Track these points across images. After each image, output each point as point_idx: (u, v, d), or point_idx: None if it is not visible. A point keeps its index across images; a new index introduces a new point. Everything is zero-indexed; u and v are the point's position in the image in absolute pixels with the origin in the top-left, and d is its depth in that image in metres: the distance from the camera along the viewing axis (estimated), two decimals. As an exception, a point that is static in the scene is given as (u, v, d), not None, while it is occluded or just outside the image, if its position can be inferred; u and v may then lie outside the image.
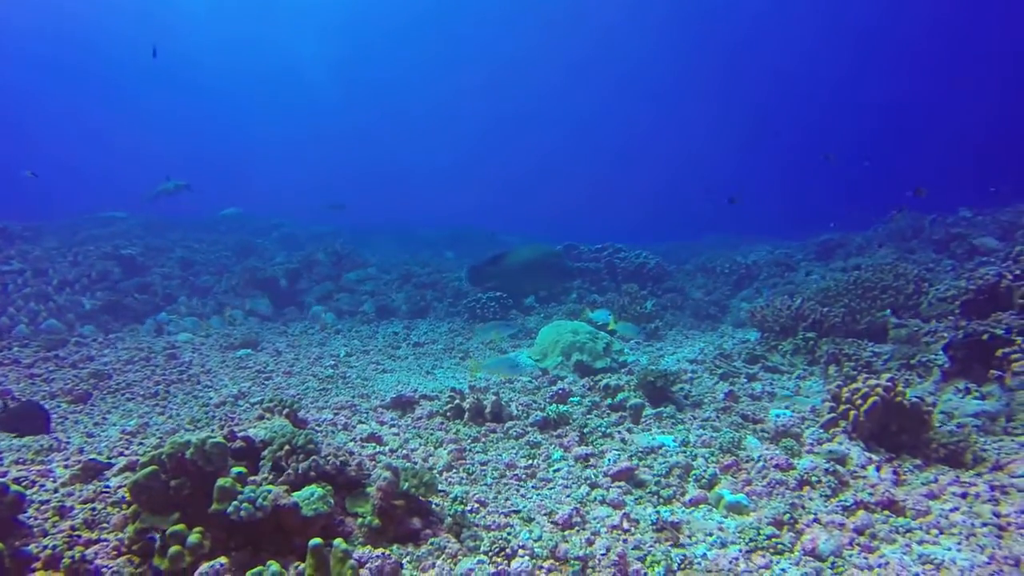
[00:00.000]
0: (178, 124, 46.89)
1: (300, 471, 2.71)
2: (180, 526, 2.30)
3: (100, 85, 44.36)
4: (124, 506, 2.65)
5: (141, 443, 4.00)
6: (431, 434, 4.25)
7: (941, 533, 2.74)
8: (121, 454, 3.68)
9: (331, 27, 43.90)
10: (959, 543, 2.63)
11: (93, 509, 2.75)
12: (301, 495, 2.54)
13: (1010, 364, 4.47)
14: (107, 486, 3.01)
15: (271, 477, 2.73)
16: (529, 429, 4.34)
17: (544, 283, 9.17)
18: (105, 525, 2.63)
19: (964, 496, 3.07)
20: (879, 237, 12.71)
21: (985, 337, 4.78)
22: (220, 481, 2.42)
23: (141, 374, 5.87)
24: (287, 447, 2.81)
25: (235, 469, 2.65)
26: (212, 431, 3.28)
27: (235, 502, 2.36)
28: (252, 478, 2.70)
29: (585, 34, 41.98)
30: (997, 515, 2.85)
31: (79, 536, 2.52)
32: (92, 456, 3.37)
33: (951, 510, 2.94)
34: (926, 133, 42.48)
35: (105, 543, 2.46)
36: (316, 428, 4.26)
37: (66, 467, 3.29)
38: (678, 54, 42.39)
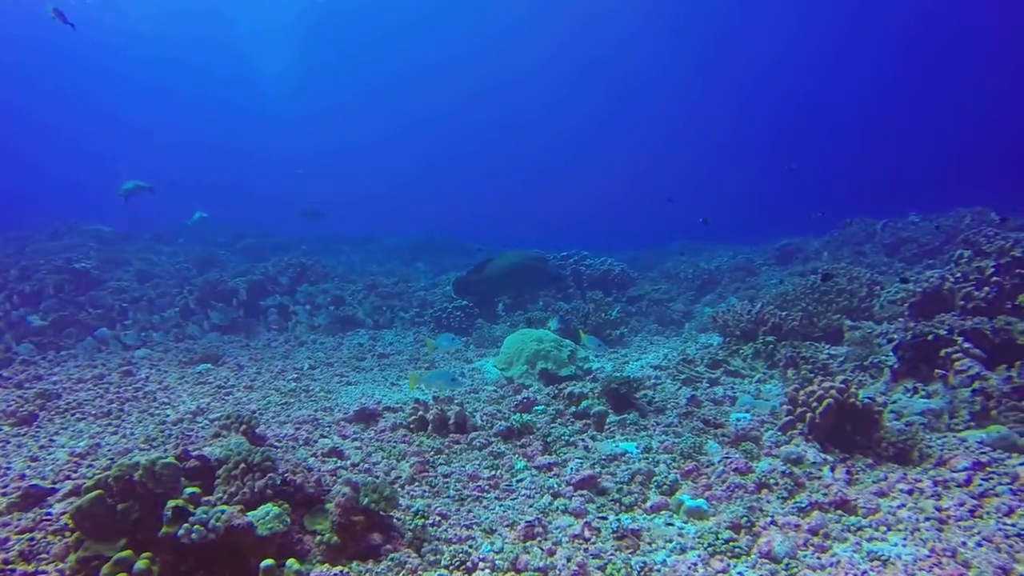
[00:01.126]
0: (147, 128, 45.59)
1: (256, 489, 2.66)
2: (127, 552, 2.23)
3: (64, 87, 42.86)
4: (67, 534, 2.55)
5: (91, 465, 3.86)
6: (394, 447, 4.21)
7: (889, 530, 2.83)
8: (68, 478, 3.54)
9: (295, 33, 43.32)
10: (904, 539, 2.73)
11: (31, 540, 2.64)
12: (256, 514, 2.48)
13: (952, 363, 4.65)
14: (49, 513, 2.90)
15: (226, 497, 2.66)
16: (493, 439, 4.34)
17: (529, 288, 9.21)
18: (44, 556, 2.53)
19: (910, 492, 3.19)
20: (835, 242, 13.14)
21: (930, 338, 4.97)
22: (171, 503, 2.36)
23: (93, 392, 5.67)
24: (243, 465, 2.75)
25: (188, 490, 2.58)
26: (165, 451, 3.18)
27: (186, 524, 2.30)
28: (206, 498, 2.64)
29: (552, 40, 42.33)
30: (939, 509, 2.96)
31: (13, 570, 2.41)
32: (34, 482, 3.24)
33: (898, 507, 3.04)
34: (888, 139, 44.30)
35: (43, 575, 2.37)
36: (276, 444, 4.18)
37: (3, 495, 3.15)
38: (645, 59, 43.04)
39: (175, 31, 38.78)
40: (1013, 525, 2.71)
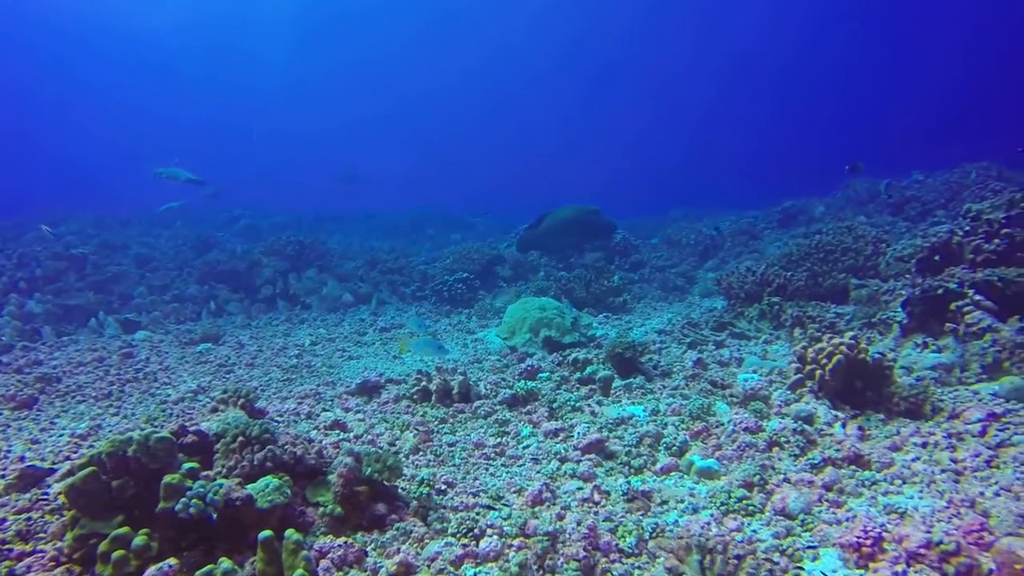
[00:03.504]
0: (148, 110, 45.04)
1: (255, 462, 2.59)
2: (124, 529, 2.17)
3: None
4: (64, 513, 2.50)
5: (92, 446, 3.81)
6: (397, 418, 4.16)
7: (904, 483, 2.77)
8: (68, 459, 3.50)
9: (291, 13, 42.58)
10: (921, 491, 2.67)
11: (28, 519, 2.59)
12: (255, 487, 2.42)
13: (963, 316, 4.56)
14: (46, 493, 2.85)
15: (224, 471, 2.60)
16: (498, 407, 4.28)
17: (586, 237, 9.50)
18: (42, 535, 2.48)
19: (924, 446, 3.12)
20: (838, 202, 12.95)
21: (939, 292, 4.87)
22: (167, 478, 2.30)
23: (93, 375, 5.61)
24: (241, 438, 2.68)
25: (187, 465, 2.51)
26: (155, 428, 3.12)
27: (183, 499, 2.24)
28: (205, 473, 2.58)
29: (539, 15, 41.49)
30: (954, 461, 2.90)
31: (10, 550, 2.36)
32: (32, 463, 3.19)
33: (912, 460, 2.98)
34: (888, 97, 43.57)
35: (41, 554, 2.31)
36: (278, 419, 4.13)
37: (1, 477, 3.10)
38: (641, 27, 42.29)
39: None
40: (1031, 474, 2.64)
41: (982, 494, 2.54)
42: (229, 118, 47.26)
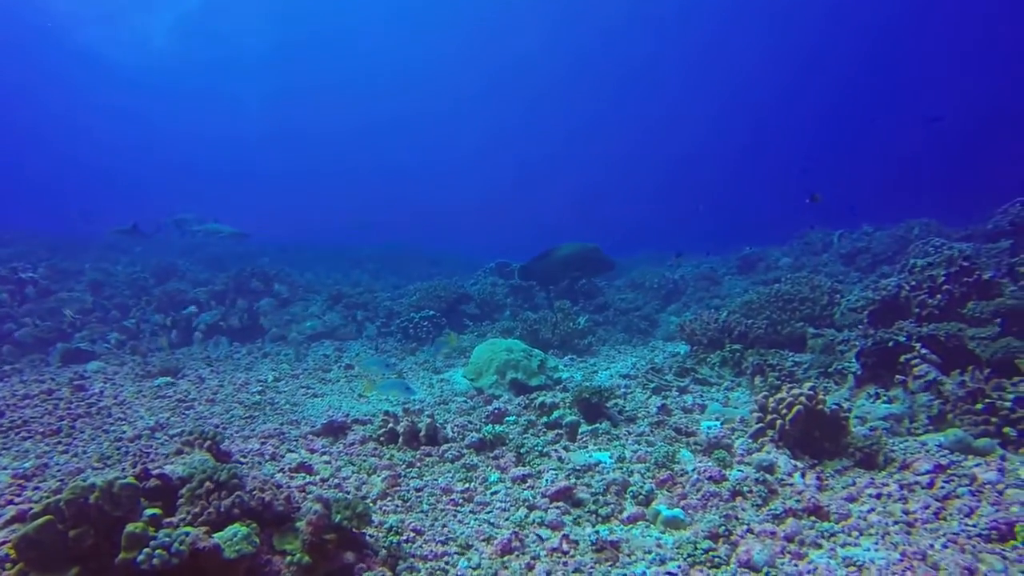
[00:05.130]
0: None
1: (222, 509, 2.53)
2: (82, 580, 2.09)
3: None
4: (8, 566, 2.38)
5: (37, 487, 3.63)
6: (364, 460, 4.10)
7: (860, 534, 2.88)
8: (10, 503, 3.32)
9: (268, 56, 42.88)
10: (876, 543, 2.78)
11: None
12: (223, 535, 2.36)
13: (911, 369, 4.82)
14: (-8, 541, 2.70)
15: (189, 518, 2.53)
16: (465, 451, 4.27)
17: (589, 272, 10.20)
18: (-15, 589, 2.35)
19: (878, 497, 3.26)
20: (794, 251, 13.54)
21: (890, 344, 5.13)
22: (129, 527, 2.22)
23: (41, 409, 5.36)
24: (208, 483, 2.62)
25: (148, 511, 2.44)
26: (123, 469, 3.02)
27: (147, 549, 2.17)
28: (168, 520, 2.50)
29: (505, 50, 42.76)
30: (906, 512, 3.03)
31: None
32: (-24, 507, 3.03)
33: (868, 511, 3.10)
34: (852, 152, 46.20)
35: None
36: (241, 460, 4.02)
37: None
38: (620, 71, 43.91)
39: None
40: (974, 525, 2.79)
41: (932, 546, 2.67)
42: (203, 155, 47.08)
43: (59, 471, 3.94)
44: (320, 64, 45.21)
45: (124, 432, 4.76)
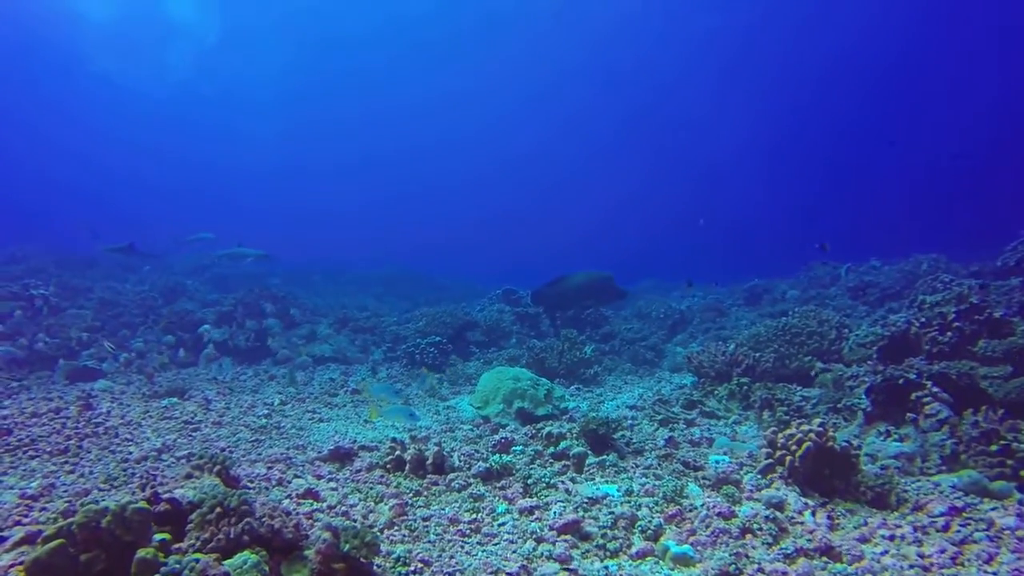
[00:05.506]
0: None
1: (232, 535, 2.52)
2: (92, 606, 2.08)
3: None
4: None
5: (44, 508, 3.62)
6: (371, 488, 4.08)
7: (875, 578, 2.84)
8: (18, 523, 3.31)
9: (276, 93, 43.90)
10: (891, 587, 2.74)
11: (-21, 593, 2.44)
12: (233, 563, 2.35)
13: (922, 407, 4.78)
14: None
15: (199, 544, 2.52)
16: (472, 480, 4.24)
17: (600, 300, 10.32)
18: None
19: (892, 539, 3.21)
20: (800, 284, 13.53)
21: (900, 382, 5.11)
22: (140, 552, 2.22)
23: (49, 427, 5.37)
24: (219, 509, 2.61)
25: (157, 536, 2.44)
26: (132, 491, 3.02)
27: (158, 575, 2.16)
28: (177, 545, 2.49)
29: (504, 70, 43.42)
30: (921, 556, 2.99)
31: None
32: (-17, 527, 3.02)
33: (881, 553, 3.06)
34: (854, 188, 46.52)
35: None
36: (248, 484, 4.00)
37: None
38: (617, 100, 44.50)
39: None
40: (995, 573, 2.75)
41: (949, 592, 2.62)
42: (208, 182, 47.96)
43: (65, 491, 3.93)
44: (332, 96, 46.18)
45: (131, 453, 4.76)
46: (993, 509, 3.38)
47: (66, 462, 4.60)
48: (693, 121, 44.23)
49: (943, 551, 2.97)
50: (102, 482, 4.08)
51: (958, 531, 3.17)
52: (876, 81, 38.59)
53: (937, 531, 3.24)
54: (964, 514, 3.35)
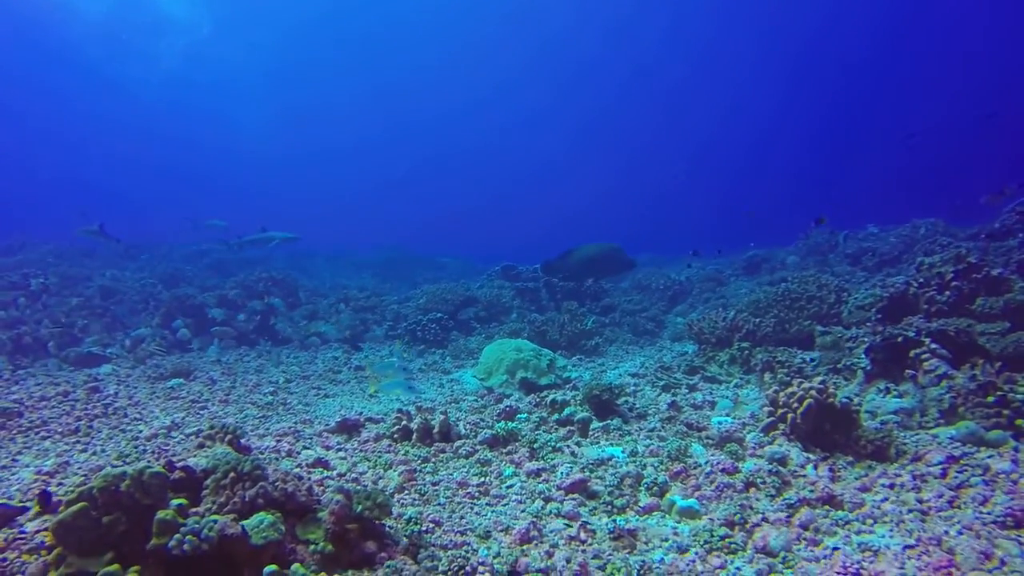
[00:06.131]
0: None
1: (247, 498, 2.58)
2: (115, 566, 2.13)
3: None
4: (44, 552, 2.43)
5: (61, 483, 3.69)
6: (379, 456, 4.15)
7: (875, 522, 2.91)
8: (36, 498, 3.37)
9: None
10: (891, 530, 2.81)
11: (3, 560, 2.50)
12: (250, 523, 2.41)
13: (921, 364, 4.84)
14: (23, 531, 2.76)
15: (215, 508, 2.58)
16: (479, 447, 4.31)
17: (607, 272, 10.45)
18: None
19: (892, 487, 3.29)
20: (799, 252, 13.54)
21: (899, 340, 5.16)
22: (160, 514, 2.27)
23: (59, 410, 5.42)
24: (232, 474, 2.67)
25: (175, 501, 2.49)
26: (148, 463, 3.07)
27: (177, 535, 2.22)
28: (194, 510, 2.55)
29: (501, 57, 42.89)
30: (920, 501, 3.06)
31: (-10, 590, 2.29)
32: (1, 501, 3.08)
33: (882, 500, 3.13)
34: (852, 153, 46.29)
35: (25, 593, 2.25)
36: (259, 455, 4.07)
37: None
38: (619, 78, 44.08)
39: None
40: (989, 513, 2.82)
41: (947, 532, 2.70)
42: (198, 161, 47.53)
43: (80, 469, 4.00)
44: (324, 82, 45.68)
45: (141, 431, 4.82)
46: (989, 457, 3.45)
47: (78, 441, 4.66)
48: (684, 92, 43.82)
49: (940, 495, 3.04)
50: (115, 459, 4.15)
51: (955, 477, 3.24)
52: (866, 50, 38.18)
53: (935, 478, 3.31)
54: (961, 462, 3.42)
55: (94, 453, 4.34)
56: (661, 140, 50.17)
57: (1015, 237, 9.12)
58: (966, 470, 3.33)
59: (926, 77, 39.60)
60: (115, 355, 8.02)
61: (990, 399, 4.04)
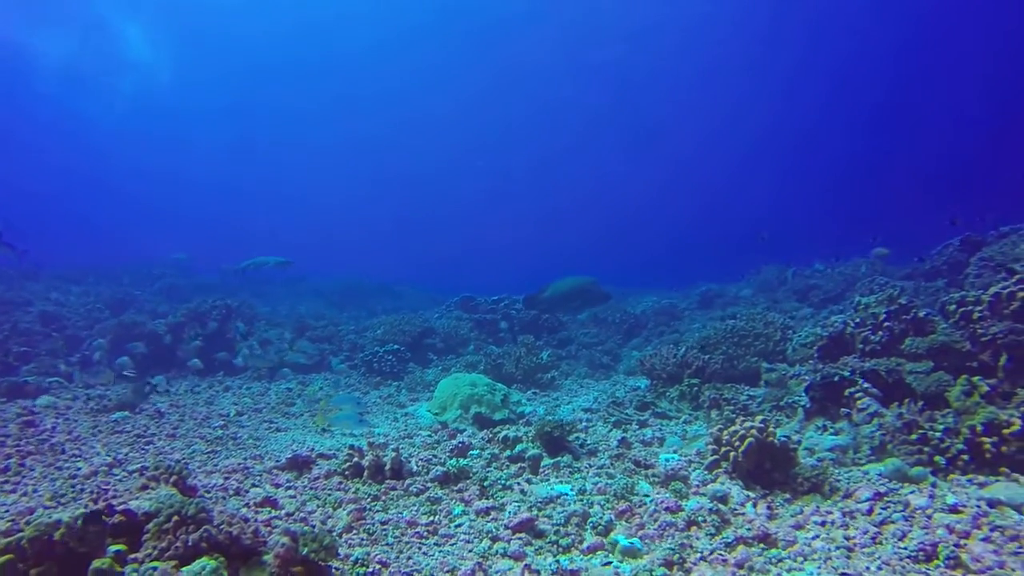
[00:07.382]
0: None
1: (190, 543, 2.55)
2: (46, 617, 2.09)
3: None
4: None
5: (-11, 526, 3.53)
6: (329, 495, 4.12)
7: (805, 559, 3.06)
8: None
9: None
10: (819, 567, 2.96)
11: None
12: (192, 569, 2.39)
13: (855, 402, 5.11)
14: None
15: (156, 553, 2.54)
16: (430, 484, 4.33)
17: (587, 303, 10.54)
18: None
19: (823, 524, 3.46)
20: (750, 287, 14.09)
21: (836, 379, 5.43)
22: (95, 563, 2.24)
23: (-12, 446, 5.18)
24: (176, 518, 2.64)
25: (113, 547, 2.45)
26: (84, 506, 3.00)
27: (114, 584, 2.19)
28: (133, 556, 2.51)
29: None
30: (847, 538, 3.24)
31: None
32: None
33: (813, 538, 3.29)
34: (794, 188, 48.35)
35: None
36: (205, 495, 3.99)
37: None
38: (579, 105, 44.93)
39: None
40: (905, 548, 3.01)
41: (868, 568, 2.87)
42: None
43: (7, 512, 3.83)
44: (278, 109, 45.56)
45: (79, 469, 4.64)
46: (911, 492, 3.67)
47: (6, 481, 4.45)
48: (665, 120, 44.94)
49: (865, 532, 3.22)
50: (48, 500, 3.99)
51: (879, 514, 3.44)
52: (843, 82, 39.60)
53: (862, 515, 3.50)
54: (886, 498, 3.63)
55: (24, 494, 4.16)
56: (629, 167, 51.32)
57: (943, 277, 9.74)
58: (889, 506, 3.54)
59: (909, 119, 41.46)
60: (55, 385, 7.70)
61: (913, 436, 4.30)
